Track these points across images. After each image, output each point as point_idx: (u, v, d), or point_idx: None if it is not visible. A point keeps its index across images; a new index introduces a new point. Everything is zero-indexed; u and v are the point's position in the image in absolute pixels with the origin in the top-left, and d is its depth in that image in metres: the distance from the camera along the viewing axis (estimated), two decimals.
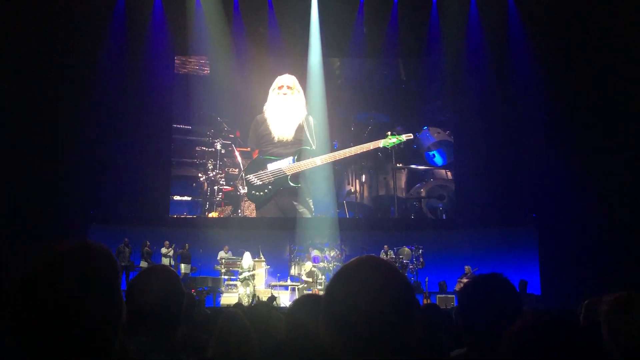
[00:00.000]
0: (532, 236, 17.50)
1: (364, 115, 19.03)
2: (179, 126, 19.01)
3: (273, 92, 17.96)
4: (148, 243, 16.95)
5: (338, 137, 18.53)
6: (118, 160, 17.46)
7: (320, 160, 17.23)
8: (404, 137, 17.12)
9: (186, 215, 18.78)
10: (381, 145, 17.34)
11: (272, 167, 17.41)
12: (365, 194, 18.84)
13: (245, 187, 17.89)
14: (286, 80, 17.91)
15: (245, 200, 18.63)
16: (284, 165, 17.44)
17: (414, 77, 19.41)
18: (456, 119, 18.75)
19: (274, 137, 17.44)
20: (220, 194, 18.59)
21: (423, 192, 18.91)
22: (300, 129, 17.52)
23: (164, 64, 18.66)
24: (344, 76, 19.25)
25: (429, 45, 18.41)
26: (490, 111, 17.82)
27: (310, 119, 17.68)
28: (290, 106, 17.51)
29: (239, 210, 18.68)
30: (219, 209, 18.67)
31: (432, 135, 18.91)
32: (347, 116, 19.00)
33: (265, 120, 17.67)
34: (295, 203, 17.58)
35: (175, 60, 19.17)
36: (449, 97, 18.95)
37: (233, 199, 18.67)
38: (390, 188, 18.74)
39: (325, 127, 18.18)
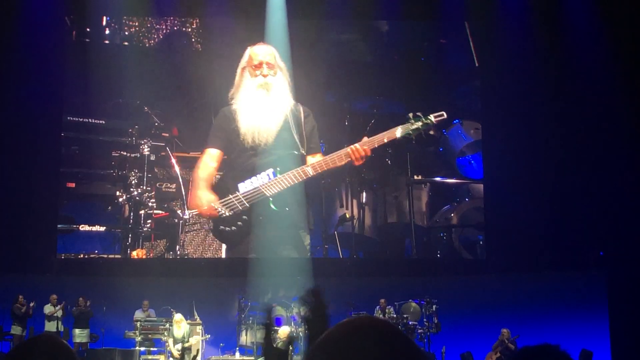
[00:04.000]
0: (598, 284, 15.45)
1: (365, 102, 16.30)
2: (83, 120, 15.90)
3: (245, 74, 14.13)
4: (21, 298, 14.66)
5: (326, 134, 15.35)
6: None
7: (312, 169, 13.78)
8: (432, 118, 13.19)
9: (97, 254, 15.68)
10: (399, 136, 13.39)
11: (244, 187, 14.44)
12: (367, 221, 16.07)
13: (211, 222, 15.00)
14: (264, 53, 13.98)
15: (186, 232, 15.53)
16: (261, 182, 14.28)
17: (436, 47, 16.50)
18: (490, 109, 15.98)
19: (245, 141, 14.37)
20: (150, 222, 15.50)
21: (454, 218, 16.24)
22: (285, 126, 14.36)
23: (51, 25, 15.24)
24: (331, 46, 16.24)
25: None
26: (539, 96, 15.29)
27: (300, 108, 14.46)
28: (274, 97, 14.14)
29: (177, 247, 15.55)
30: (148, 244, 15.56)
31: (467, 132, 16.10)
32: (338, 104, 16.15)
33: (235, 115, 14.45)
34: (282, 238, 14.79)
35: (67, 21, 15.78)
36: (483, 78, 16.12)
37: (168, 230, 15.60)
38: (405, 212, 15.94)
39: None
